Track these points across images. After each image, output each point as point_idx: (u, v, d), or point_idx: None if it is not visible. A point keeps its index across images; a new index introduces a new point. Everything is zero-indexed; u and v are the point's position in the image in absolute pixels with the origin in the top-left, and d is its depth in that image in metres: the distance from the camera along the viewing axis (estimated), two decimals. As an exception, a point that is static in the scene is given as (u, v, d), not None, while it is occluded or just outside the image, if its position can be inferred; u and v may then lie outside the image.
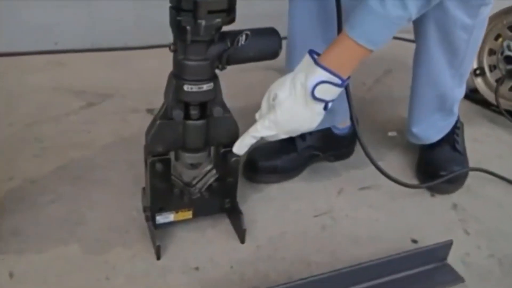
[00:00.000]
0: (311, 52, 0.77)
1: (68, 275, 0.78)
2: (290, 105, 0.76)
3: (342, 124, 1.08)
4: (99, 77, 1.40)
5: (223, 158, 0.82)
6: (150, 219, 0.83)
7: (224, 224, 0.90)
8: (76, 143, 1.09)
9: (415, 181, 1.07)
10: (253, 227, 0.89)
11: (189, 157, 0.80)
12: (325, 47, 0.79)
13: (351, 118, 1.10)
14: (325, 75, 0.75)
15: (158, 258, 0.81)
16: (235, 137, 0.80)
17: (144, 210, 0.87)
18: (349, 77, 0.78)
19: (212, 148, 0.84)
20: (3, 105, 1.20)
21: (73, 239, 0.84)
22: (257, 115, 0.81)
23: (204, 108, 0.78)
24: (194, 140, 0.79)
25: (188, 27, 0.68)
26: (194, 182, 0.86)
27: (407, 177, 1.07)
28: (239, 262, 0.83)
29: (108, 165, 1.03)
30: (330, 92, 0.76)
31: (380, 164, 1.12)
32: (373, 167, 1.09)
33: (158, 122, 0.76)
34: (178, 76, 0.74)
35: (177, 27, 0.69)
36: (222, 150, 0.82)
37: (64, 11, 1.50)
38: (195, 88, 0.74)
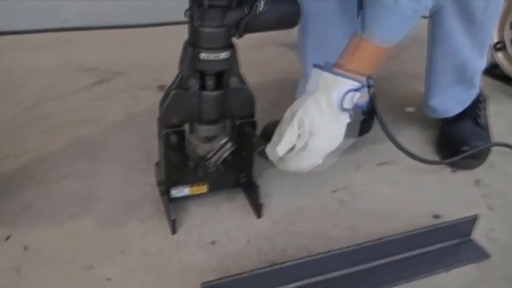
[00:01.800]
0: (318, 65, 0.75)
1: (82, 249, 0.76)
2: (323, 130, 0.73)
3: (360, 98, 1.05)
4: (108, 54, 1.37)
5: (239, 131, 0.80)
6: (165, 193, 0.81)
7: (239, 199, 0.88)
8: (86, 119, 1.07)
9: (435, 157, 1.04)
10: (269, 202, 0.87)
11: (204, 130, 0.77)
12: (341, 28, 0.76)
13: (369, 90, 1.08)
14: (349, 83, 0.73)
15: (173, 232, 0.80)
16: (251, 110, 0.77)
17: (158, 184, 0.85)
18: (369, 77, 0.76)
19: (228, 121, 0.82)
20: (10, 83, 1.18)
21: (86, 214, 0.83)
22: (279, 150, 0.75)
23: (220, 78, 0.75)
24: (209, 111, 0.76)
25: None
26: (209, 155, 0.83)
27: (427, 153, 1.04)
28: (256, 237, 0.81)
29: (120, 141, 1.01)
30: (355, 98, 0.75)
31: (399, 140, 1.10)
32: (391, 143, 1.07)
33: (173, 92, 0.74)
34: (193, 43, 0.72)
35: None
36: (238, 122, 0.80)
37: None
38: (211, 57, 0.71)
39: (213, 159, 0.83)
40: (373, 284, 0.74)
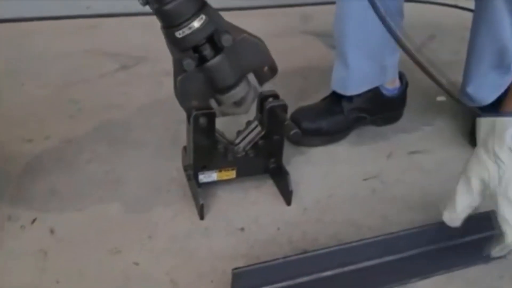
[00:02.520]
0: (490, 114, 0.69)
1: (110, 233, 0.75)
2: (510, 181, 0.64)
3: (391, 84, 1.02)
4: (132, 40, 1.36)
5: (270, 114, 0.77)
6: (192, 177, 0.79)
7: (267, 186, 0.86)
8: (112, 104, 1.05)
9: (468, 148, 1.00)
10: (299, 189, 0.84)
11: (229, 97, 0.73)
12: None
13: (400, 78, 1.05)
14: None
15: (202, 217, 0.78)
16: (264, 54, 0.72)
17: (186, 169, 0.83)
18: None
19: (257, 103, 0.79)
20: (35, 67, 1.17)
21: (112, 198, 0.81)
22: (446, 215, 0.70)
23: (214, 42, 0.69)
24: (223, 78, 0.71)
25: None
26: (237, 140, 0.81)
27: (459, 143, 1.00)
28: (286, 224, 0.78)
29: (145, 126, 0.99)
30: None
31: (430, 129, 1.07)
32: (422, 132, 1.04)
33: (178, 79, 0.71)
34: (165, 26, 0.68)
35: None
36: (269, 106, 0.77)
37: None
38: (187, 31, 0.66)
39: (242, 143, 0.81)
40: (408, 274, 0.71)
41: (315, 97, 1.06)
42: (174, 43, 0.68)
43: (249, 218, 0.79)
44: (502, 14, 0.87)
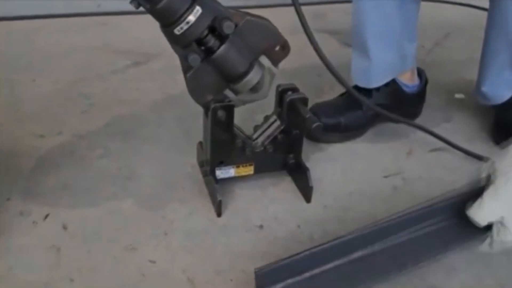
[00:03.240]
0: None
1: (124, 229, 0.72)
2: None
3: (411, 80, 0.99)
4: (144, 38, 1.33)
5: (290, 108, 0.75)
6: (209, 173, 0.77)
7: (285, 183, 0.83)
8: (124, 100, 1.03)
9: (491, 144, 0.97)
10: (318, 186, 0.82)
11: (243, 84, 0.70)
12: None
13: (420, 74, 1.03)
14: None
15: (219, 214, 0.75)
16: (273, 34, 0.69)
17: (202, 165, 0.81)
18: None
19: (275, 97, 0.77)
20: (47, 63, 1.16)
21: (126, 194, 0.79)
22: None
23: (216, 31, 0.66)
24: (233, 66, 0.68)
25: None
26: (256, 135, 0.79)
27: (481, 139, 0.98)
28: (306, 221, 0.76)
29: (158, 122, 0.97)
30: None
31: (449, 125, 1.04)
32: (445, 128, 1.01)
33: (187, 76, 0.69)
34: (163, 25, 0.66)
35: None
36: (289, 99, 0.75)
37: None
38: (184, 26, 0.63)
39: (261, 138, 0.78)
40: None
41: (331, 94, 1.04)
42: (175, 41, 0.66)
43: (268, 215, 0.76)
44: None
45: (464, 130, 1.01)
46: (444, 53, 1.40)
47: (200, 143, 0.83)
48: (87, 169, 0.84)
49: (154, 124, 0.96)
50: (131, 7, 1.64)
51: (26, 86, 1.06)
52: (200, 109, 0.76)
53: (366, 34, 0.91)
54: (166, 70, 1.17)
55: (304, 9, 0.80)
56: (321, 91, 1.11)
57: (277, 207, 0.78)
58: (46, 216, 0.75)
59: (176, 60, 1.22)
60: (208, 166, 0.77)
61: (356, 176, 0.86)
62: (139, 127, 0.95)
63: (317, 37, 0.76)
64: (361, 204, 0.80)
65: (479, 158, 0.91)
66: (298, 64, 1.12)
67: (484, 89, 0.98)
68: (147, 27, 1.39)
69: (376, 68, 0.93)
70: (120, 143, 0.90)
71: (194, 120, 0.95)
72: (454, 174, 0.88)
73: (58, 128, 0.93)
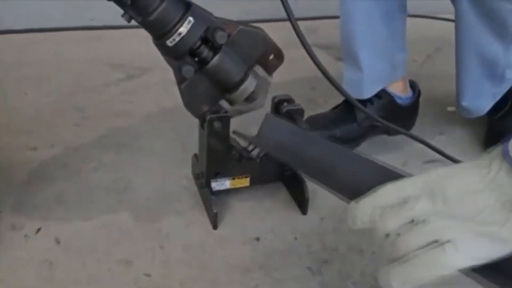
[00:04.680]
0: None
1: (119, 243, 0.71)
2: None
3: (403, 91, 1.00)
4: (137, 51, 1.33)
5: (287, 118, 0.75)
6: (205, 185, 0.76)
7: (281, 194, 0.83)
8: (118, 112, 1.02)
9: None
10: (314, 198, 0.81)
11: (238, 94, 0.69)
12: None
13: (413, 86, 1.04)
14: None
15: (215, 227, 0.74)
16: (266, 42, 0.69)
17: (197, 177, 0.80)
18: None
19: (271, 108, 0.77)
20: (39, 76, 1.15)
21: (121, 207, 0.78)
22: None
23: (209, 41, 0.66)
24: (227, 76, 0.68)
25: None
26: (251, 147, 0.78)
27: (474, 152, 0.98)
28: (303, 233, 0.75)
29: (153, 134, 0.96)
30: None
31: (443, 138, 1.05)
32: (439, 140, 1.02)
33: (182, 88, 0.69)
34: (155, 38, 0.65)
35: None
36: (285, 109, 0.75)
37: (99, -14, 1.45)
38: (177, 38, 0.63)
39: (257, 149, 0.78)
40: None
41: (325, 106, 1.04)
42: (168, 53, 0.66)
43: (265, 227, 0.76)
44: (478, 26, 0.87)
45: (458, 142, 1.02)
46: (436, 67, 1.42)
47: (195, 155, 0.82)
48: (80, 182, 0.83)
49: (149, 136, 0.96)
50: (124, 21, 1.65)
51: (18, 98, 1.05)
52: (194, 122, 0.76)
53: (356, 42, 0.92)
54: (160, 83, 1.16)
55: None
56: (316, 104, 1.11)
57: (274, 219, 0.77)
58: (38, 229, 0.73)
59: (169, 74, 1.22)
60: (204, 178, 0.77)
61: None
62: (133, 139, 0.94)
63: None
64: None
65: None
66: (291, 78, 1.13)
67: (465, 103, 0.99)
68: (140, 41, 1.39)
69: (368, 78, 0.94)
70: (114, 156, 0.89)
71: (189, 132, 0.95)
72: (449, 185, 0.88)
73: (51, 140, 0.92)
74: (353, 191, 0.47)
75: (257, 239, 0.74)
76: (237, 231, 0.75)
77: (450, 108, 1.17)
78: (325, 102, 1.09)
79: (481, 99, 0.97)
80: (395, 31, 0.94)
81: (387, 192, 0.43)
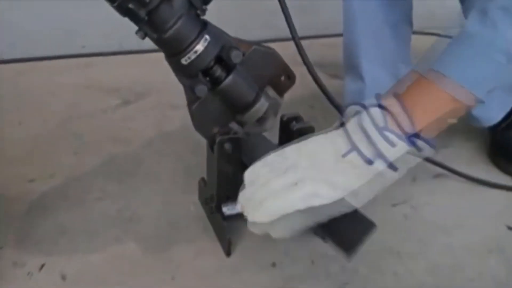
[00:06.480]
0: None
1: (129, 275, 0.68)
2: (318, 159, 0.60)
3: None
4: (131, 77, 1.32)
5: (296, 137, 0.73)
6: (215, 210, 0.73)
7: (294, 217, 0.80)
8: (118, 138, 1.00)
9: (491, 166, 0.97)
10: (328, 219, 0.79)
11: (250, 115, 0.67)
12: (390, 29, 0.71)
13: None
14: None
15: (228, 254, 0.71)
16: (279, 63, 0.68)
17: (206, 202, 0.77)
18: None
19: (280, 127, 0.75)
20: (33, 105, 1.12)
21: (128, 237, 0.74)
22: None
23: (223, 60, 0.64)
24: (240, 97, 0.66)
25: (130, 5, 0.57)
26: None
27: (481, 162, 0.97)
28: (321, 256, 0.72)
29: (155, 159, 0.93)
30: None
31: (447, 151, 1.03)
32: (443, 154, 1.01)
33: (193, 108, 0.66)
34: (169, 55, 0.63)
35: (126, 12, 0.58)
36: (295, 128, 0.73)
37: (90, 13, 1.43)
38: (192, 56, 0.61)
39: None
40: None
41: (325, 125, 1.02)
42: (181, 71, 0.64)
43: (280, 252, 0.73)
44: None
45: (463, 155, 1.01)
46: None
47: (202, 179, 0.80)
48: (84, 213, 0.79)
49: (151, 162, 0.93)
50: (115, 48, 1.62)
51: (12, 129, 1.02)
52: (196, 145, 0.73)
53: (359, 53, 0.91)
54: (158, 108, 1.14)
55: (287, 44, 0.80)
56: (316, 122, 1.09)
57: (288, 243, 0.74)
58: (42, 266, 0.69)
59: (166, 98, 1.20)
60: (214, 203, 0.74)
61: (365, 206, 0.84)
62: (135, 166, 0.91)
63: (304, 70, 0.76)
64: (374, 234, 0.77)
65: (481, 182, 0.91)
66: (289, 96, 1.11)
67: (475, 112, 0.98)
68: (134, 67, 1.39)
69: (370, 89, 0.92)
70: (117, 184, 0.86)
71: (193, 156, 0.92)
72: (461, 199, 0.87)
73: (50, 170, 0.88)
74: None
75: (273, 264, 0.71)
76: (251, 258, 0.72)
77: (450, 120, 1.16)
78: (325, 120, 1.07)
79: (492, 108, 0.96)
80: (400, 42, 0.93)
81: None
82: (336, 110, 0.78)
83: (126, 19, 0.62)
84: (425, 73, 0.59)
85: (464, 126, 1.09)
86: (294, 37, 0.70)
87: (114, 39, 1.47)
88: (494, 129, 1.01)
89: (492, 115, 0.97)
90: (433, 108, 0.59)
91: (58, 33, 1.41)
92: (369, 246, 0.74)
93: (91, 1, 1.33)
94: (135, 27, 0.63)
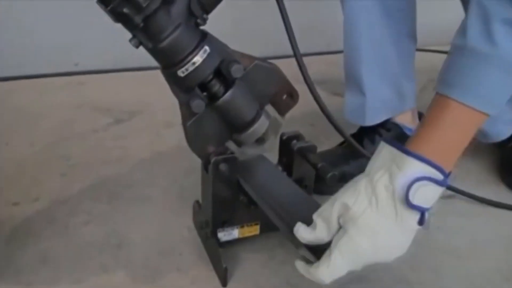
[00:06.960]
0: (394, 142, 0.54)
1: (116, 308, 0.62)
2: (371, 220, 0.52)
3: (412, 122, 0.95)
4: (124, 95, 1.28)
5: (298, 158, 0.68)
6: (211, 236, 0.68)
7: (294, 242, 0.75)
8: (108, 159, 0.95)
9: (502, 187, 0.93)
10: (331, 244, 0.74)
11: (249, 135, 0.63)
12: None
13: (420, 117, 0.99)
14: (423, 169, 0.52)
15: (225, 284, 0.66)
16: (281, 80, 0.64)
17: (201, 226, 0.72)
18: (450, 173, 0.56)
19: (279, 146, 0.71)
20: (21, 125, 1.07)
21: (117, 266, 0.69)
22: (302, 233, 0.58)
23: (222, 75, 0.60)
24: (239, 114, 0.62)
25: (125, 10, 0.52)
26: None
27: (491, 182, 0.93)
28: (326, 285, 0.67)
29: (147, 181, 0.89)
30: (430, 195, 0.54)
31: (456, 170, 0.98)
32: (452, 175, 0.96)
33: (188, 124, 0.62)
34: (165, 67, 0.59)
35: (120, 17, 0.53)
36: (296, 147, 0.69)
37: (83, 31, 1.40)
38: (190, 67, 0.57)
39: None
40: None
41: (327, 143, 0.99)
42: (177, 84, 0.59)
43: (279, 280, 0.68)
44: None
45: (472, 174, 0.96)
46: (431, 97, 1.39)
47: (197, 202, 0.75)
48: (70, 238, 0.74)
49: (142, 183, 0.88)
50: (109, 66, 1.57)
51: (-2, 149, 0.97)
52: (190, 166, 0.69)
53: (361, 67, 0.87)
54: (150, 127, 1.10)
55: (286, 61, 0.77)
56: (317, 141, 1.05)
57: (288, 271, 0.69)
58: (24, 297, 0.64)
59: (159, 117, 1.16)
60: (209, 228, 0.69)
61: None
62: (126, 188, 0.86)
63: (304, 87, 0.72)
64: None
65: (492, 203, 0.86)
66: (289, 113, 1.07)
67: (484, 127, 0.95)
68: (127, 85, 1.35)
69: (371, 104, 0.89)
70: (106, 207, 0.81)
71: (186, 177, 0.88)
72: (471, 221, 0.82)
73: (35, 193, 0.83)
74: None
75: (273, 294, 0.65)
76: (249, 287, 0.66)
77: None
78: (326, 139, 1.03)
79: (502, 124, 0.92)
80: (403, 56, 0.90)
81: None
82: (338, 131, 0.74)
83: (120, 36, 0.58)
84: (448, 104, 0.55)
85: (473, 145, 1.05)
86: (296, 54, 0.66)
87: (108, 57, 1.44)
88: (504, 146, 0.97)
89: (501, 130, 0.94)
90: (463, 146, 0.58)
91: (51, 51, 1.38)
92: (378, 273, 0.70)
93: (84, 18, 1.31)
94: (131, 47, 0.58)
